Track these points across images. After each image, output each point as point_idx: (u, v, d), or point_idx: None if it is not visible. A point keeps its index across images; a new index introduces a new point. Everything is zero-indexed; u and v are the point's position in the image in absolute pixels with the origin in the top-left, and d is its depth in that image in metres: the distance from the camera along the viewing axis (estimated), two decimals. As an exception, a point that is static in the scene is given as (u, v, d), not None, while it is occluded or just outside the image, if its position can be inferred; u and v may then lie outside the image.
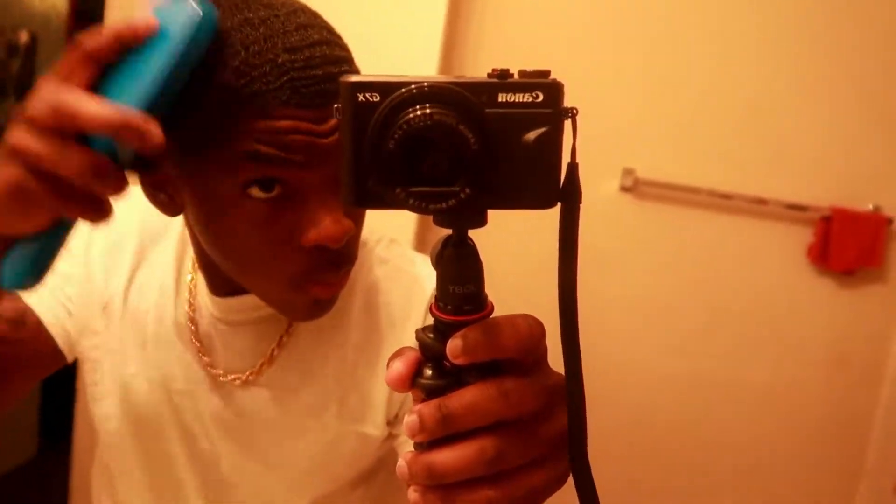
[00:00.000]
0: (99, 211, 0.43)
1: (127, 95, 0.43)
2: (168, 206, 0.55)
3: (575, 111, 0.31)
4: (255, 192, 0.50)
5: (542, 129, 0.31)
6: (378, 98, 0.30)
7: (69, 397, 1.90)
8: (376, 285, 0.66)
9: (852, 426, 1.43)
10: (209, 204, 0.52)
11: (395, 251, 0.69)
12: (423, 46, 1.30)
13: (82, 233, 0.66)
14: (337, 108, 0.31)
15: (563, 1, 1.42)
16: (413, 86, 0.30)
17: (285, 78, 0.48)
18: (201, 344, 0.64)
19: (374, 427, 0.64)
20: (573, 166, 0.32)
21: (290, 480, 0.65)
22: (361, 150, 0.31)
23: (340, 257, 0.54)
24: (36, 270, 0.47)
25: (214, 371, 0.64)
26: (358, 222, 0.56)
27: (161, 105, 0.44)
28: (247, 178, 0.50)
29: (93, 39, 0.43)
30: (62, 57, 0.44)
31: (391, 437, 0.65)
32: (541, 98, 0.30)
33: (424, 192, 0.30)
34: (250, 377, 0.63)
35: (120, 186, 0.43)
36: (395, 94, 0.30)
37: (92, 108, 0.40)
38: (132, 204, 0.59)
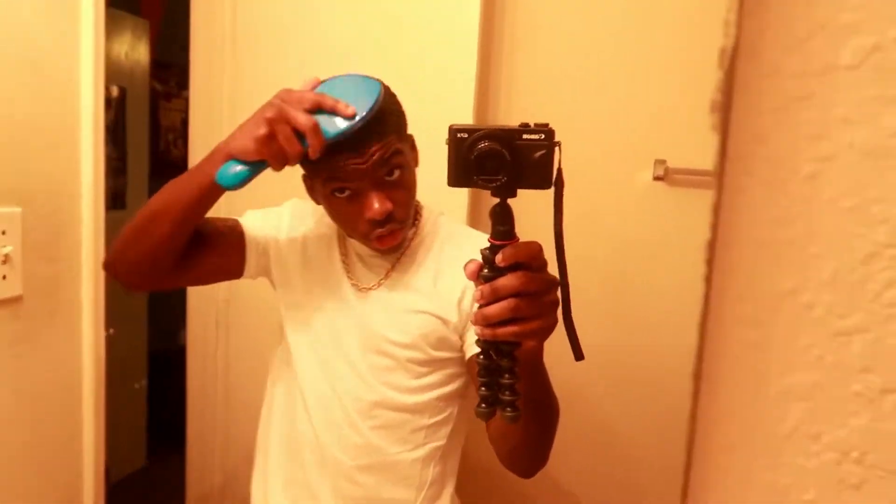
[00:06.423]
0: (283, 165, 0.86)
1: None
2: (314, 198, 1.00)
3: (559, 143, 0.62)
4: (337, 194, 0.94)
5: (543, 151, 0.62)
6: (466, 136, 0.63)
7: (173, 411, 2.23)
8: (444, 236, 1.06)
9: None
10: (321, 200, 0.97)
11: (451, 221, 1.11)
12: (460, 95, 1.61)
13: (281, 216, 1.11)
14: (447, 140, 0.64)
15: (594, 20, 1.67)
16: (482, 131, 0.62)
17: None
18: (348, 268, 1.06)
19: (451, 315, 1.00)
20: (560, 170, 0.63)
21: (394, 349, 1.03)
22: (458, 158, 0.63)
23: (388, 220, 0.94)
24: (241, 182, 0.87)
25: (356, 283, 1.05)
26: (399, 201, 0.95)
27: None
28: (331, 189, 0.93)
29: (322, 96, 0.85)
30: (299, 91, 0.87)
31: (462, 340, 1.01)
32: (542, 137, 0.62)
33: (486, 178, 0.62)
34: (375, 286, 1.04)
35: (296, 162, 0.87)
36: (475, 134, 0.62)
37: (312, 120, 0.83)
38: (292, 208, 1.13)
